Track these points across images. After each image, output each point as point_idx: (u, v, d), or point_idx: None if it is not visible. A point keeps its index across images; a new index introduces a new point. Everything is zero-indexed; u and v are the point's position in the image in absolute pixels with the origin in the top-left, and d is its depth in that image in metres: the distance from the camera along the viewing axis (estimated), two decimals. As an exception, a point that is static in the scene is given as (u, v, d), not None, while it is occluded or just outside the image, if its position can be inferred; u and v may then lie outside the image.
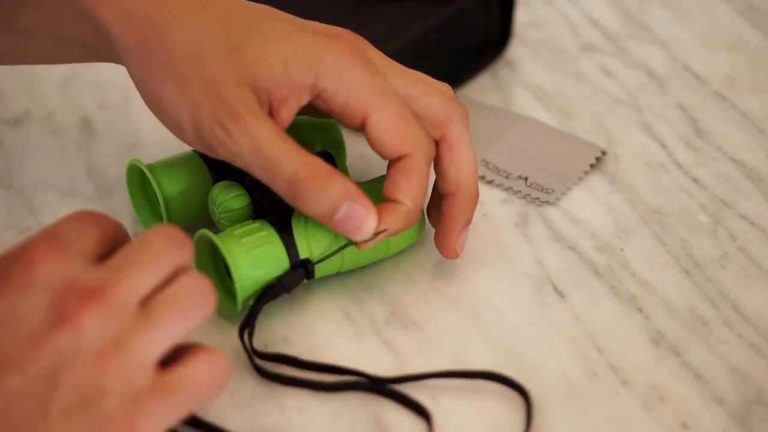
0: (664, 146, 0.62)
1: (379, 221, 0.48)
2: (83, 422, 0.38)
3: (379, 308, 0.51)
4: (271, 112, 0.48)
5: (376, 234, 0.48)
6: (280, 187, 0.47)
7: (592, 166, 0.60)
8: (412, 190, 0.48)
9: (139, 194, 0.55)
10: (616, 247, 0.55)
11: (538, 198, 0.58)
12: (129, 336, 0.39)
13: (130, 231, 0.56)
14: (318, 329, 0.50)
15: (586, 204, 0.58)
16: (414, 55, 0.62)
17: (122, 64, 0.51)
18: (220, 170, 0.53)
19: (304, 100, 0.48)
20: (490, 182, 0.59)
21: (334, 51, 0.48)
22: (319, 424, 0.46)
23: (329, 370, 0.48)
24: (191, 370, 0.40)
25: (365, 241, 0.48)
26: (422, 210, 0.52)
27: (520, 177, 0.59)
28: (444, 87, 0.51)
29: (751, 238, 0.55)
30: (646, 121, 0.64)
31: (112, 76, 0.68)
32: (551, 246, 0.55)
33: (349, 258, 0.51)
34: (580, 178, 0.59)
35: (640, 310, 0.51)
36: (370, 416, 0.46)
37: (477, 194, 0.51)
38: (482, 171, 0.60)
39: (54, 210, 0.57)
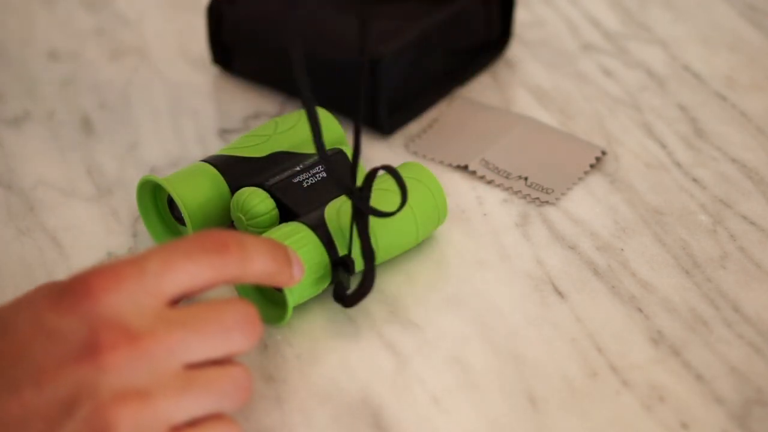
0: (664, 146, 0.62)
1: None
2: None
3: (379, 308, 0.51)
4: None
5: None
6: None
7: (592, 166, 0.60)
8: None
9: (150, 209, 0.55)
10: (616, 247, 0.55)
11: (538, 198, 0.58)
12: (158, 392, 0.39)
13: (130, 230, 0.56)
14: (318, 329, 0.50)
15: (586, 204, 0.58)
16: (414, 55, 0.62)
17: None
18: (236, 178, 0.53)
19: None
20: (490, 182, 0.59)
21: None
22: (319, 424, 0.46)
23: None
24: None
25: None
26: (444, 196, 0.53)
27: (520, 177, 0.59)
28: None
29: (751, 238, 0.55)
30: (646, 121, 0.64)
31: (112, 76, 0.68)
32: (551, 246, 0.55)
33: (383, 248, 0.51)
34: (580, 178, 0.59)
35: (640, 310, 0.51)
36: (369, 416, 0.46)
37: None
38: (482, 171, 0.60)
39: (54, 210, 0.57)
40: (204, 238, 0.42)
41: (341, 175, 0.48)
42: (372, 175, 0.48)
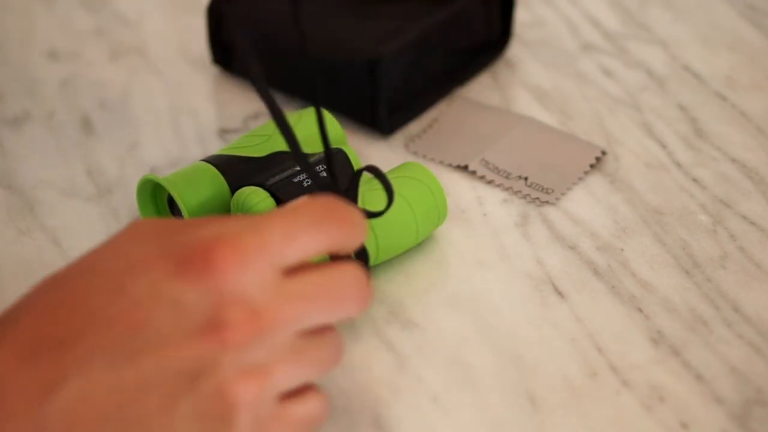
0: (664, 146, 0.62)
1: None
2: (205, 431, 0.38)
3: (379, 308, 0.51)
4: None
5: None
6: None
7: (592, 166, 0.60)
8: None
9: (150, 208, 0.54)
10: (616, 247, 0.55)
11: (538, 198, 0.58)
12: (275, 366, 0.39)
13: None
14: (318, 329, 0.50)
15: (586, 204, 0.58)
16: (414, 55, 0.62)
17: None
18: (236, 178, 0.53)
19: None
20: (490, 182, 0.59)
21: None
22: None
23: None
24: (306, 408, 0.41)
25: None
26: (444, 195, 0.53)
27: (520, 177, 0.59)
28: None
29: (751, 238, 0.55)
30: (646, 121, 0.64)
31: (112, 75, 0.68)
32: (551, 246, 0.55)
33: (383, 248, 0.51)
34: (580, 178, 0.59)
35: (640, 310, 0.51)
36: (369, 416, 0.46)
37: None
38: (482, 171, 0.60)
39: (54, 210, 0.57)
40: (321, 207, 0.41)
41: (324, 180, 0.48)
42: (357, 175, 0.48)
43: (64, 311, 0.38)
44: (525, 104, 0.66)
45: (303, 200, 0.42)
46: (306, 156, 0.45)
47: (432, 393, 0.47)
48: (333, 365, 0.42)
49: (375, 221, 0.50)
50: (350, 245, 0.42)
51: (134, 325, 0.38)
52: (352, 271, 0.41)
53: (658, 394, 0.47)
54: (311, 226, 0.41)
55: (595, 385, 0.47)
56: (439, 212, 0.53)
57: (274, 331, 0.39)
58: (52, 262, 0.54)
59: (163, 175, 0.53)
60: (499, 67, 0.69)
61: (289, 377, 0.40)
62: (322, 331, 0.42)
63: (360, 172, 0.48)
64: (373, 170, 0.48)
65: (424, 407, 0.46)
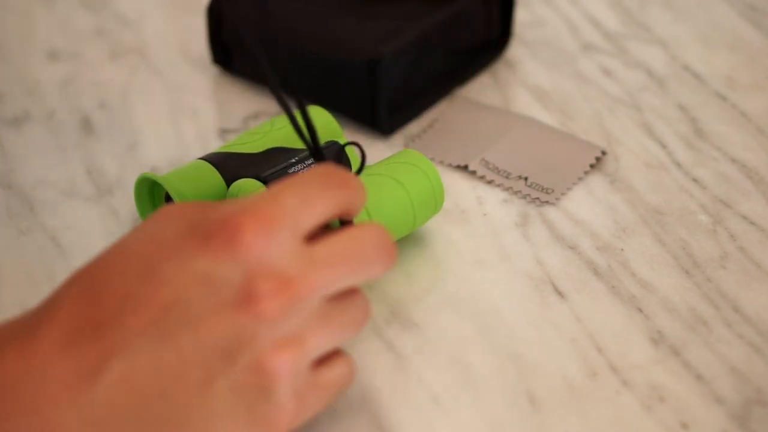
0: (664, 146, 0.62)
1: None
2: (246, 404, 0.39)
3: (379, 308, 0.51)
4: None
5: None
6: None
7: (592, 166, 0.60)
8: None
9: (148, 208, 0.55)
10: (616, 247, 0.55)
11: (538, 198, 0.58)
12: (307, 334, 0.40)
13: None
14: (318, 329, 0.50)
15: (586, 204, 0.58)
16: (414, 55, 0.62)
17: None
18: (232, 174, 0.53)
19: None
20: (490, 182, 0.59)
21: None
22: (319, 424, 0.46)
23: None
24: (338, 373, 0.42)
25: None
26: (440, 180, 0.53)
27: (520, 177, 0.59)
28: None
29: (751, 238, 0.55)
30: (646, 121, 0.64)
31: (112, 75, 0.68)
32: (551, 246, 0.55)
33: None
34: (580, 178, 0.59)
35: (640, 310, 0.51)
36: (369, 416, 0.46)
37: None
38: (482, 171, 0.60)
39: (54, 210, 0.57)
40: (327, 173, 0.42)
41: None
42: (341, 149, 0.50)
43: (99, 296, 0.39)
44: (525, 104, 0.66)
45: (309, 170, 0.42)
46: (310, 143, 0.46)
47: (432, 393, 0.47)
48: (361, 327, 0.43)
49: (372, 205, 0.50)
50: (357, 208, 0.43)
51: (167, 304, 0.38)
52: (373, 231, 0.42)
53: (658, 394, 0.47)
54: (322, 190, 0.41)
55: (595, 385, 0.47)
56: (436, 198, 0.53)
57: (305, 299, 0.39)
58: (52, 262, 0.54)
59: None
60: (499, 67, 0.69)
61: (321, 343, 0.41)
62: (347, 294, 0.42)
63: (342, 147, 0.50)
64: (354, 144, 0.50)
65: (424, 407, 0.46)
